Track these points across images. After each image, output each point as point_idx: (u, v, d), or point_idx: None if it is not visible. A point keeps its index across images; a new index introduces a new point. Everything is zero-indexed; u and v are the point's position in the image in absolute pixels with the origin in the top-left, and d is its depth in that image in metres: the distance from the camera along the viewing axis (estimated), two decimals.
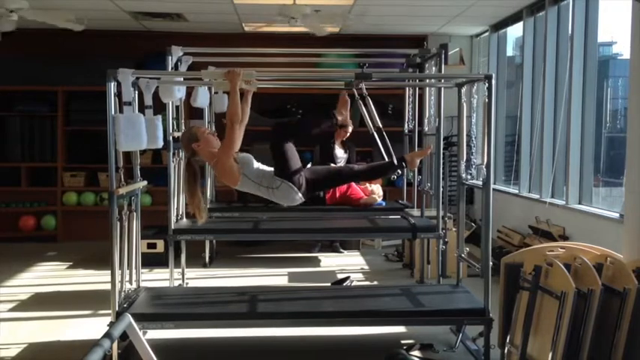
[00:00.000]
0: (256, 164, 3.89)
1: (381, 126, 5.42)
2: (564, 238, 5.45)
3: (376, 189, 7.02)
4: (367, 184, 7.11)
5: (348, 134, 7.24)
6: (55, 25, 5.92)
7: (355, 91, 5.40)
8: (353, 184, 7.06)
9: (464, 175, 4.45)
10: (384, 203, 7.25)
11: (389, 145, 5.24)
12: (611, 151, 5.93)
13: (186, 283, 5.64)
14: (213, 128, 6.87)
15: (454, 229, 5.38)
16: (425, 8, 6.83)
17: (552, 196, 6.09)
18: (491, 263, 3.96)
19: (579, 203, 5.63)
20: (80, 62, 7.97)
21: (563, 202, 5.76)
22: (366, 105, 5.50)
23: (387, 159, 5.62)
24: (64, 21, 5.88)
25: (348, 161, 7.31)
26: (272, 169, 3.85)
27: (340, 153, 7.31)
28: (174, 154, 5.49)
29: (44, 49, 7.98)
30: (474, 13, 6.99)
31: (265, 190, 3.83)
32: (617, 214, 4.88)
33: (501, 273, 3.82)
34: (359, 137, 7.49)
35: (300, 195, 3.83)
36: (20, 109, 8.11)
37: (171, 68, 5.36)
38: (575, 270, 3.33)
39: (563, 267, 3.29)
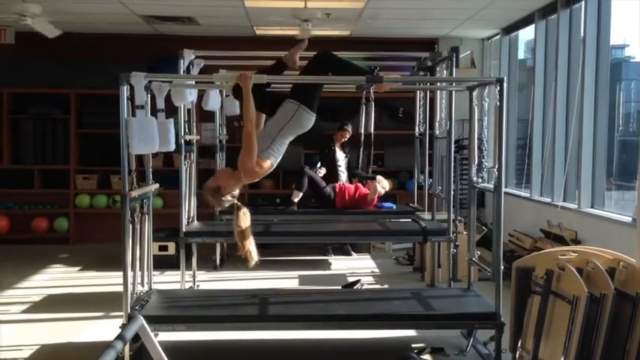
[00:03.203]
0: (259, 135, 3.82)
1: (372, 133, 5.54)
2: (576, 242, 5.42)
3: (377, 180, 6.99)
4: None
5: (347, 138, 7.30)
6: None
7: (365, 94, 5.45)
8: (359, 185, 7.09)
9: (475, 179, 4.44)
10: (394, 206, 7.25)
11: (372, 153, 5.36)
12: (623, 155, 5.89)
13: (197, 286, 5.66)
14: (225, 131, 6.91)
15: (465, 233, 5.36)
16: (436, 11, 6.82)
17: (564, 200, 6.06)
18: (502, 267, 3.95)
19: (591, 207, 5.60)
20: (93, 65, 8.03)
21: (576, 206, 5.73)
22: (368, 111, 5.59)
23: (360, 165, 5.72)
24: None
25: (348, 164, 7.38)
26: (272, 126, 3.78)
27: (341, 156, 7.38)
28: (185, 156, 5.52)
29: (57, 52, 8.04)
30: (486, 16, 6.98)
31: (283, 131, 3.75)
32: (630, 218, 4.85)
33: (513, 277, 3.81)
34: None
35: (313, 117, 3.81)
36: (33, 111, 8.17)
37: (183, 72, 5.39)
38: (588, 274, 3.31)
39: (575, 271, 3.27)
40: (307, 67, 4.00)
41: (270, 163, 3.74)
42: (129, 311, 3.79)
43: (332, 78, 4.29)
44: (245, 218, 3.66)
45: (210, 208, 3.80)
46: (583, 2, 5.73)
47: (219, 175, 3.81)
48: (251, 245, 3.63)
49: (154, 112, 4.14)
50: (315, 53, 4.03)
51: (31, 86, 8.06)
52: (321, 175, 7.20)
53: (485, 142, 4.52)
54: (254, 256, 3.63)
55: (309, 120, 3.82)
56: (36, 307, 5.36)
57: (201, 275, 6.05)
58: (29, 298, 5.59)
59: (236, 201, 3.75)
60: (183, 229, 5.43)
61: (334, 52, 4.08)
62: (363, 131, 5.63)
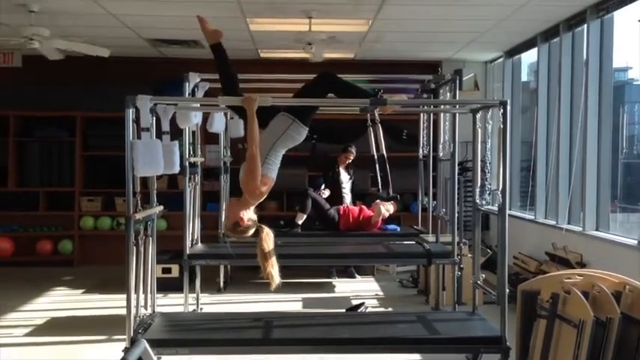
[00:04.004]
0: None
1: (385, 154, 5.49)
2: (582, 265, 5.39)
3: (382, 202, 6.98)
4: (377, 201, 7.11)
5: (351, 159, 7.33)
6: (80, 52, 6.04)
7: (370, 116, 5.48)
8: (364, 207, 7.08)
9: (479, 201, 4.43)
10: (398, 229, 7.23)
11: (388, 173, 5.27)
12: (627, 177, 5.89)
13: (201, 309, 5.64)
14: (229, 153, 6.94)
15: (469, 255, 5.34)
16: (439, 34, 6.88)
17: (569, 223, 6.04)
18: (507, 290, 3.93)
19: (596, 230, 5.58)
20: (99, 88, 8.10)
21: (580, 229, 5.71)
22: (376, 132, 5.59)
23: (381, 187, 5.62)
24: (90, 47, 6.00)
25: (352, 185, 7.41)
26: (265, 140, 3.76)
27: (345, 178, 7.39)
28: (190, 178, 5.53)
29: (63, 75, 8.10)
30: (488, 39, 7.03)
31: (276, 145, 3.77)
32: (635, 241, 4.83)
33: (518, 300, 3.78)
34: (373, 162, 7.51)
35: (306, 130, 3.85)
36: (39, 134, 8.23)
37: (189, 94, 5.43)
38: (594, 298, 3.29)
39: (580, 295, 3.25)
40: (308, 86, 4.03)
41: (271, 179, 3.74)
42: (132, 334, 3.78)
43: (336, 101, 4.31)
44: (268, 239, 3.65)
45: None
46: (585, 26, 5.77)
47: (229, 211, 3.77)
48: (273, 268, 3.62)
49: (159, 134, 4.16)
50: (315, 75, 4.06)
51: (37, 109, 8.12)
52: (324, 196, 7.21)
53: (489, 165, 4.52)
54: (276, 278, 3.62)
55: (302, 134, 3.86)
56: (39, 330, 5.34)
57: (205, 298, 6.02)
58: (32, 321, 5.57)
59: (258, 223, 3.72)
60: (187, 252, 5.42)
61: (338, 75, 4.10)
62: (375, 153, 5.62)
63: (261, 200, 3.76)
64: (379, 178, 5.85)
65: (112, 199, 8.30)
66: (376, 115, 5.49)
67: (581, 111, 5.82)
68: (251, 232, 3.70)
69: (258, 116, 3.71)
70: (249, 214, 3.68)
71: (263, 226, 3.71)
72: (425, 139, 6.75)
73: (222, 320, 4.53)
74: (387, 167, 5.57)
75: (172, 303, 5.78)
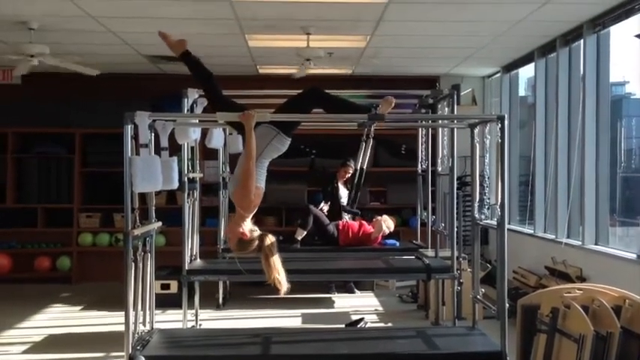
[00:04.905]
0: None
1: (364, 168, 5.55)
2: (581, 279, 5.37)
3: (383, 219, 6.99)
4: (377, 217, 7.11)
5: (350, 174, 7.32)
6: (69, 69, 6.07)
7: (366, 131, 5.49)
8: (364, 222, 7.08)
9: (478, 216, 4.43)
10: (397, 243, 7.22)
11: (360, 186, 5.36)
12: (626, 191, 5.90)
13: (200, 325, 5.61)
14: (228, 168, 6.95)
15: (469, 270, 5.33)
16: (436, 50, 6.92)
17: (568, 237, 6.03)
18: (507, 305, 3.91)
19: (596, 244, 5.57)
20: (97, 104, 8.10)
21: (580, 243, 5.70)
22: (366, 147, 5.61)
23: (351, 197, 5.73)
24: (78, 65, 6.03)
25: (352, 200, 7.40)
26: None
27: (344, 193, 7.39)
28: (188, 194, 5.53)
29: (62, 92, 8.13)
30: (486, 54, 7.07)
31: (261, 156, 3.82)
32: (635, 255, 4.82)
33: (518, 315, 3.77)
34: (372, 177, 7.52)
35: (289, 140, 3.93)
36: (38, 150, 8.23)
37: (187, 110, 5.45)
38: (594, 312, 3.28)
39: (580, 309, 3.24)
40: (292, 101, 4.06)
41: (262, 189, 3.79)
42: (130, 351, 3.75)
43: (335, 116, 4.33)
44: (271, 246, 3.66)
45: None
46: (582, 41, 5.80)
47: (231, 232, 3.80)
48: (279, 274, 3.61)
49: (158, 150, 4.17)
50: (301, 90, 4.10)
51: (35, 126, 8.13)
52: (324, 211, 7.20)
53: (487, 179, 4.52)
54: (283, 282, 3.61)
55: (286, 144, 3.93)
56: (37, 347, 5.31)
57: (204, 314, 5.99)
58: (30, 338, 5.54)
59: (260, 231, 3.75)
60: (186, 267, 5.41)
61: (327, 91, 4.13)
62: (359, 166, 5.68)
63: (254, 211, 3.78)
64: (354, 190, 5.92)
65: (110, 216, 8.28)
66: (371, 130, 5.53)
67: (578, 125, 5.84)
68: (256, 242, 3.70)
69: (240, 126, 3.74)
70: (248, 226, 3.71)
71: (266, 233, 3.74)
72: (423, 153, 6.76)
73: (221, 336, 4.51)
74: (361, 183, 5.65)
75: (171, 319, 5.76)
